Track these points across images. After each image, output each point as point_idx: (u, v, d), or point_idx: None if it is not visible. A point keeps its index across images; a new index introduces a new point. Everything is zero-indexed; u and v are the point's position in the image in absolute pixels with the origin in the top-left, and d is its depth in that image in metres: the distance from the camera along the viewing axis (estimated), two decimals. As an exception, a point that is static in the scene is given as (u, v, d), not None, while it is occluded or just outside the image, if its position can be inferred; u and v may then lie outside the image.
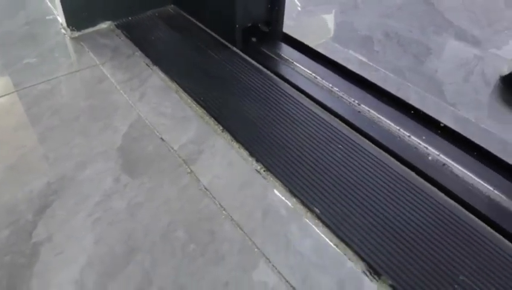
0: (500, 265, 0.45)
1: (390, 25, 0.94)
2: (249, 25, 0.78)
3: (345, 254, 0.45)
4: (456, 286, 0.43)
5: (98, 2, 0.80)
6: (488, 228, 0.49)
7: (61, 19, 0.80)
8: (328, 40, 0.88)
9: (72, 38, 0.79)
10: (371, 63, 0.79)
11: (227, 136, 0.58)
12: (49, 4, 0.90)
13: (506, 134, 0.67)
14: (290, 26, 0.91)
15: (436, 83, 0.77)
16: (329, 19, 0.98)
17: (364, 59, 0.81)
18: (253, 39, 0.80)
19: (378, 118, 0.63)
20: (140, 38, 0.78)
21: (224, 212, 0.48)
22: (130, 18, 0.84)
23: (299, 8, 1.04)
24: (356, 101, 0.66)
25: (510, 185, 0.55)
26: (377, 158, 0.56)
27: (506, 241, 0.48)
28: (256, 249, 0.45)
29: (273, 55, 0.76)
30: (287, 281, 0.42)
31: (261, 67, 0.72)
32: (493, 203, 0.52)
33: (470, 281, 0.44)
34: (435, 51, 0.86)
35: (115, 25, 0.82)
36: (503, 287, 0.43)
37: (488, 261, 0.46)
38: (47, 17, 0.86)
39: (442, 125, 0.64)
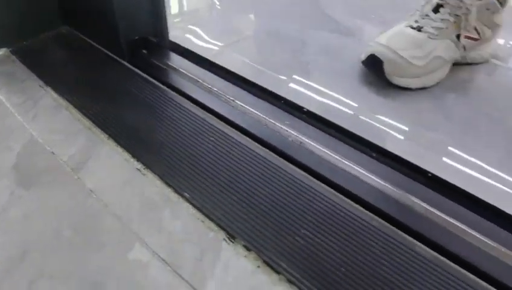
0: (338, 218, 0.57)
1: (273, 24, 1.05)
2: (136, 38, 0.86)
3: (208, 227, 0.55)
4: (297, 237, 0.54)
5: (-11, 31, 0.85)
6: (331, 189, 0.61)
7: (-44, 49, 0.84)
8: (215, 43, 0.97)
9: (-31, 68, 0.84)
10: (250, 62, 0.90)
11: (112, 143, 0.66)
12: None
13: (363, 112, 0.80)
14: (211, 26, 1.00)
15: (307, 73, 0.89)
16: (225, 22, 1.08)
17: (246, 59, 0.92)
18: (144, 51, 0.88)
19: (250, 110, 0.74)
20: (35, 62, 0.84)
21: (106, 208, 0.57)
22: (24, 43, 0.89)
23: (218, 7, 1.13)
24: (232, 98, 0.76)
25: (355, 152, 0.68)
26: (244, 145, 0.67)
27: (347, 199, 0.60)
28: (133, 235, 0.54)
29: (161, 64, 0.84)
30: (158, 256, 0.51)
31: (147, 76, 0.81)
32: (337, 169, 0.64)
33: (310, 233, 0.55)
34: (309, 44, 0.98)
35: (10, 51, 0.87)
36: (339, 236, 0.55)
37: (327, 216, 0.57)
38: None
39: (305, 110, 0.76)
